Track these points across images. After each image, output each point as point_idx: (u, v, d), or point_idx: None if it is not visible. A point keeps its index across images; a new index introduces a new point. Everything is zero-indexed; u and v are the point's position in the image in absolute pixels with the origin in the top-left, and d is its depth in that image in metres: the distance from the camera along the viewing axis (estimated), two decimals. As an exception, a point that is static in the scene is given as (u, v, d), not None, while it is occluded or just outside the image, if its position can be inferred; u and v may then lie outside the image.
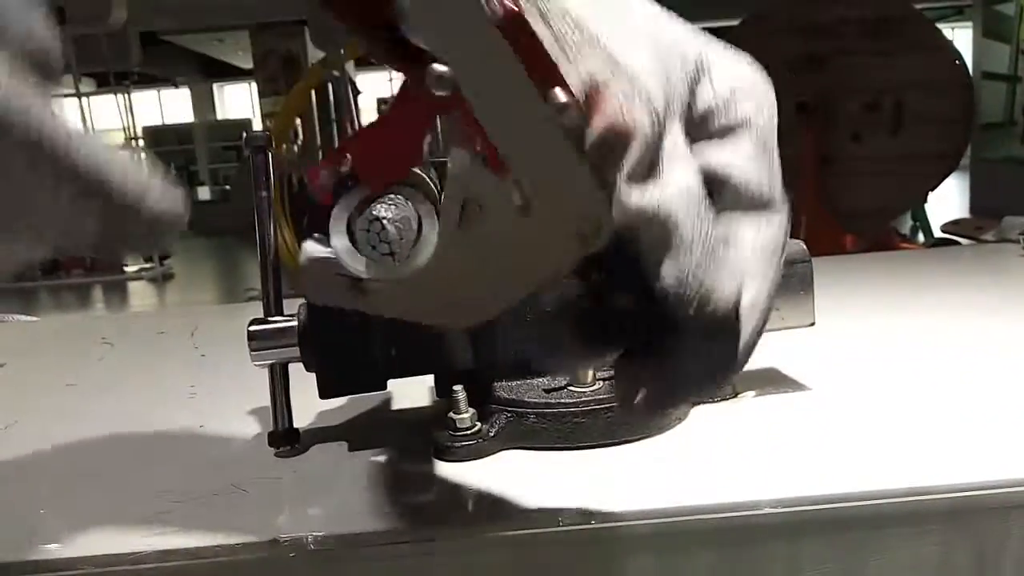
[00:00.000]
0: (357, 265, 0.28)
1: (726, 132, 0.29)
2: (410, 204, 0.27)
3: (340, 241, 0.28)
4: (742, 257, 0.28)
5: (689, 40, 0.29)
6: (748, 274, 0.28)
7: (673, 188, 0.26)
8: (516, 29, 0.26)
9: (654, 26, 0.28)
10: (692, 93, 0.28)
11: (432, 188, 0.29)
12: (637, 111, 0.25)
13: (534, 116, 0.26)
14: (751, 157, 0.29)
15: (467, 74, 0.26)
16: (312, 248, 0.30)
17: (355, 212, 0.27)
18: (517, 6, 0.26)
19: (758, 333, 0.29)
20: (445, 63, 0.26)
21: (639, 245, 0.27)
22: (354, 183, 0.28)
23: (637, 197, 0.25)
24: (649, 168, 0.26)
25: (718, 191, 0.29)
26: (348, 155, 0.28)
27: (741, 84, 0.29)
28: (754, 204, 0.29)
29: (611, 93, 0.25)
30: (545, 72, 0.26)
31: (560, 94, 0.25)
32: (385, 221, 0.26)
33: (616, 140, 0.25)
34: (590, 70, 0.25)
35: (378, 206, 0.27)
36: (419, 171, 0.29)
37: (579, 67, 0.25)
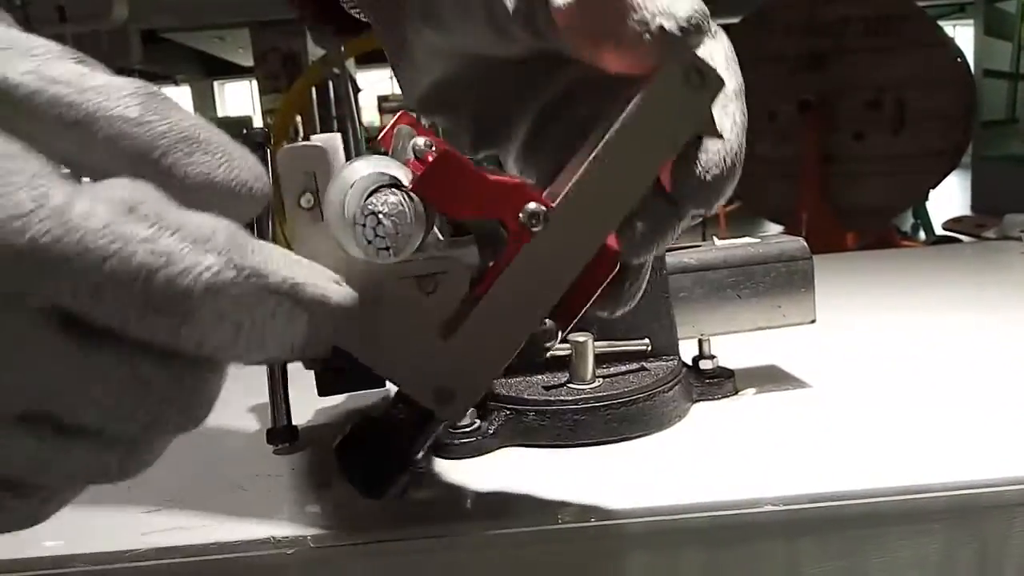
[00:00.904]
0: (334, 221, 0.27)
1: None
2: (406, 199, 0.26)
3: (338, 190, 0.27)
4: None
5: None
6: None
7: None
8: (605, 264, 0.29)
9: None
10: None
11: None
12: None
13: (527, 324, 0.28)
14: None
15: (552, 237, 0.27)
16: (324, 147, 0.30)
17: (379, 177, 0.27)
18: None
19: None
20: (543, 203, 0.27)
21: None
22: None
23: None
24: None
25: None
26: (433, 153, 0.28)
27: None
28: None
29: None
30: (572, 303, 0.29)
31: (550, 327, 0.29)
32: (381, 216, 0.26)
33: None
34: None
35: (379, 197, 0.26)
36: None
37: None
